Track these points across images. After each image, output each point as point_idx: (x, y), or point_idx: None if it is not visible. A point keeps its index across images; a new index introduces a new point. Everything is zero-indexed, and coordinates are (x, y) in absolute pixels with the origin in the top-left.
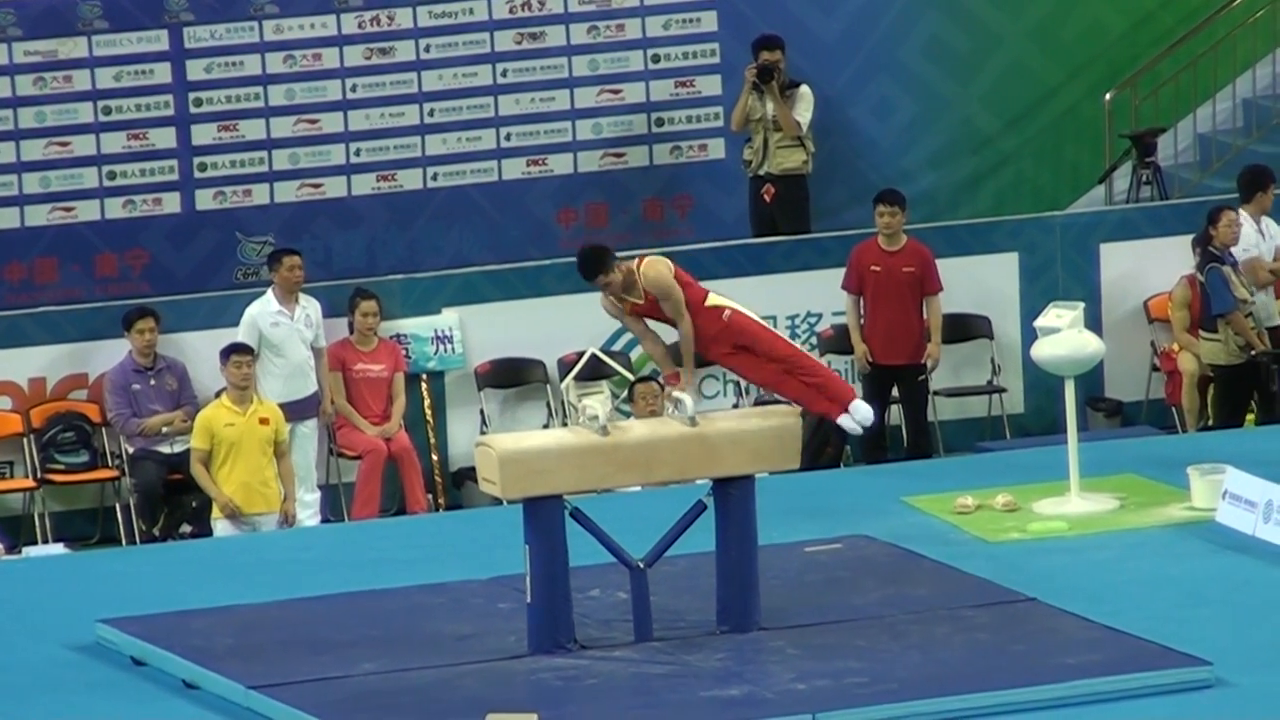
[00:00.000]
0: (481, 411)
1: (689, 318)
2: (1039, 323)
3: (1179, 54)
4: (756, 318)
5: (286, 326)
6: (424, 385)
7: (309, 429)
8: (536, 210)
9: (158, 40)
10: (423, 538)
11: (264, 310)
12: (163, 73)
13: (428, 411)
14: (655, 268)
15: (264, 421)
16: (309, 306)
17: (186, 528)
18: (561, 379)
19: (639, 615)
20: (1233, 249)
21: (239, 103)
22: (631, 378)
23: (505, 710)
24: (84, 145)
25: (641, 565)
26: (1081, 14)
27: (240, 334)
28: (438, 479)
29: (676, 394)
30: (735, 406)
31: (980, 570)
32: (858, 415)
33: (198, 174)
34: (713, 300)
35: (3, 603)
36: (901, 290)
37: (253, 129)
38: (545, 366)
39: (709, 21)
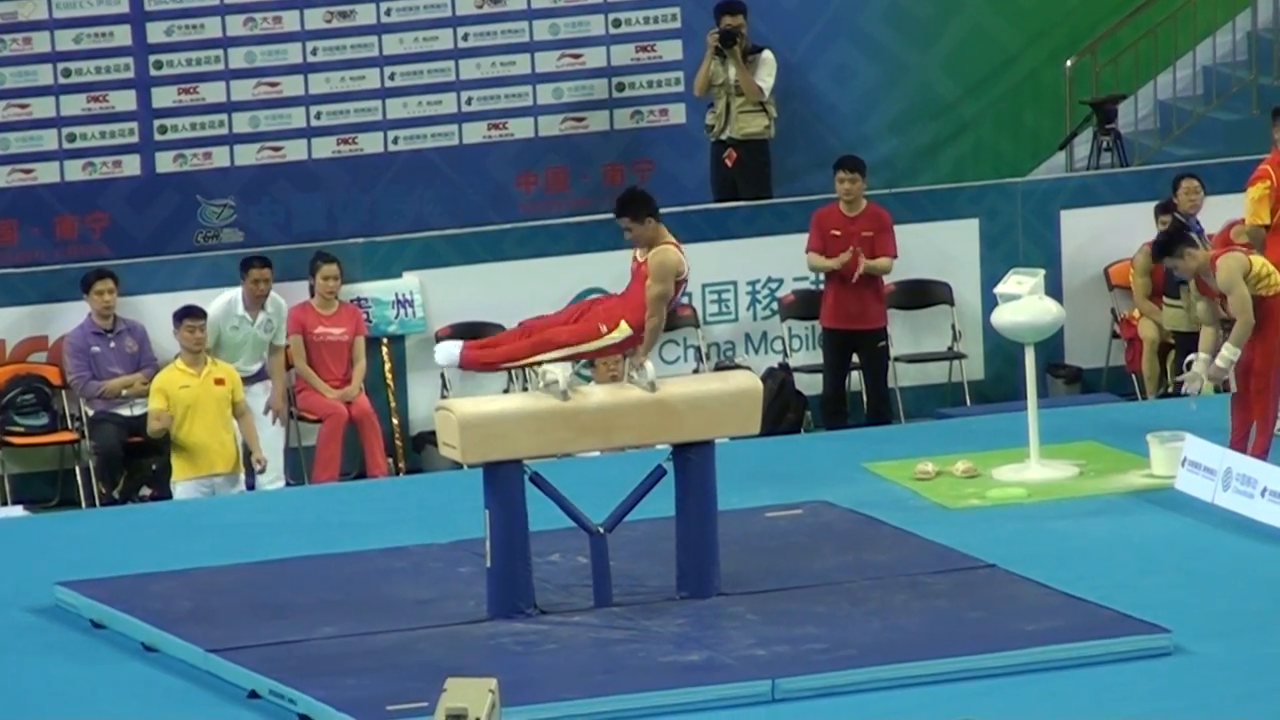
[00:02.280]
0: (442, 375)
1: (664, 315)
2: (999, 289)
3: (1140, 20)
4: (589, 347)
5: (245, 331)
6: (384, 349)
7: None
8: (497, 174)
9: (118, 2)
10: (383, 502)
11: (229, 312)
12: (123, 35)
13: (388, 375)
14: (668, 254)
15: (219, 382)
16: (273, 312)
17: (146, 490)
18: None
19: (599, 580)
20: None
21: (199, 65)
22: None
23: (464, 675)
24: (43, 107)
25: (601, 530)
26: None
27: None
28: (398, 443)
29: (636, 360)
30: (695, 372)
31: (940, 537)
32: (447, 352)
33: (158, 136)
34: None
35: None
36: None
37: (213, 92)
38: (505, 330)
39: None
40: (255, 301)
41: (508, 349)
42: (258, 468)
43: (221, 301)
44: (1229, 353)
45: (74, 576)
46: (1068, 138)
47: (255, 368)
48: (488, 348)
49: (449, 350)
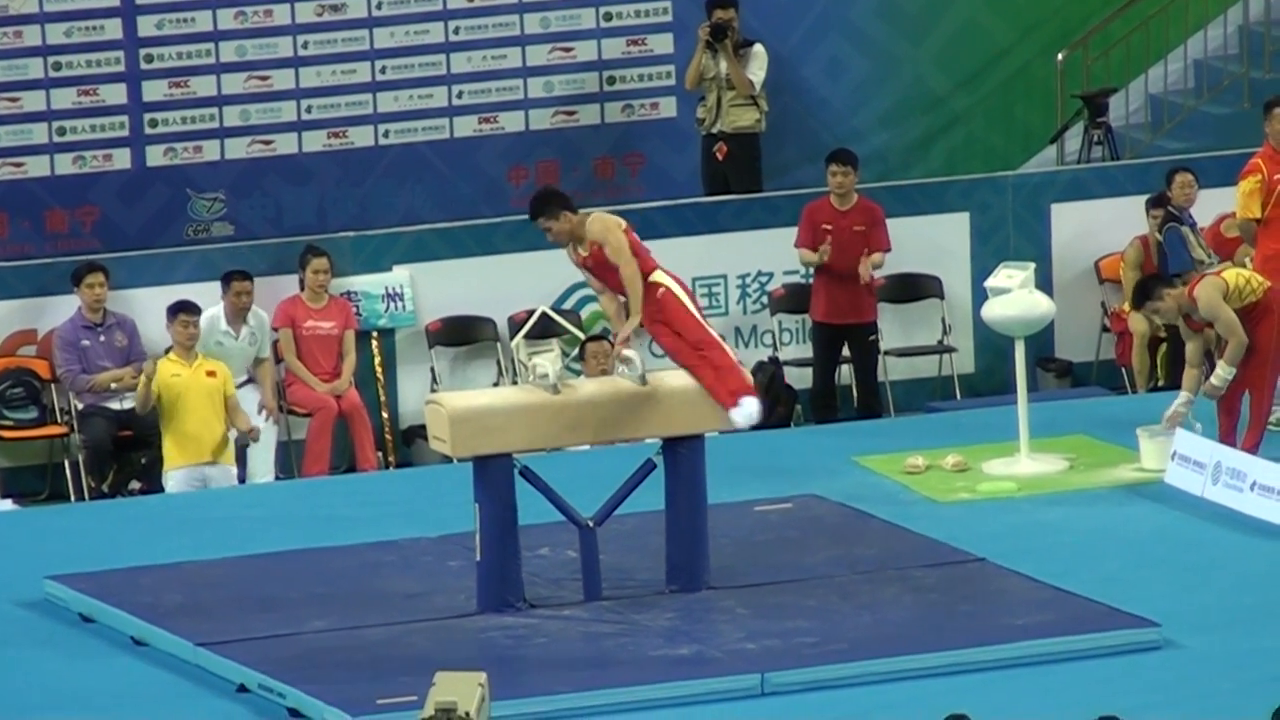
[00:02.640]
0: (432, 369)
1: (633, 262)
2: (990, 283)
3: (1131, 14)
4: (688, 301)
5: (230, 346)
6: (374, 343)
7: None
8: (488, 168)
9: None
10: (372, 495)
11: (213, 329)
12: (113, 28)
13: (378, 369)
14: (602, 220)
15: (210, 374)
16: (256, 325)
17: (136, 484)
18: (512, 337)
19: (588, 574)
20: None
21: (190, 59)
22: (582, 336)
23: (454, 669)
24: (34, 101)
25: (591, 524)
26: None
27: None
28: (388, 436)
29: (626, 353)
30: None
31: (930, 530)
32: (745, 410)
33: (148, 130)
34: (655, 277)
35: None
36: (852, 249)
37: (204, 85)
38: (496, 325)
39: None
40: (237, 315)
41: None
42: (251, 436)
43: (204, 318)
44: (1224, 371)
45: (63, 570)
46: (1058, 131)
47: (241, 379)
48: (729, 375)
49: (752, 408)
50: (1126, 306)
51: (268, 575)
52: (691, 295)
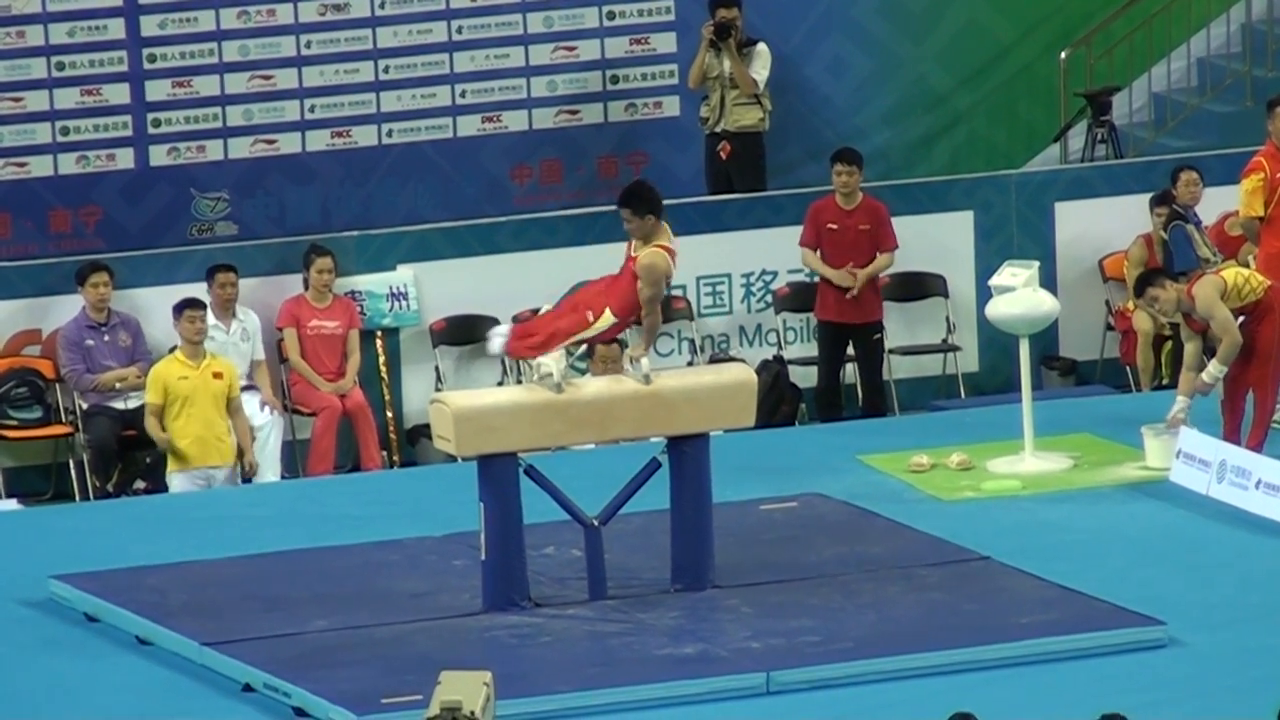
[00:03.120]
0: (436, 368)
1: (659, 314)
2: (994, 281)
3: (1134, 12)
4: (587, 333)
5: (221, 341)
6: (379, 342)
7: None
8: (491, 167)
9: None
10: (377, 495)
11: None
12: (116, 28)
13: (382, 368)
14: (657, 259)
15: (217, 376)
16: (246, 320)
17: (140, 484)
18: None
19: (593, 573)
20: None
21: (193, 59)
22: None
23: (459, 668)
24: (37, 101)
25: (596, 523)
26: None
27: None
28: (392, 436)
29: (633, 353)
30: (690, 364)
31: (934, 529)
32: (498, 335)
33: (151, 130)
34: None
35: None
36: (857, 248)
37: (207, 85)
38: (500, 324)
39: None
40: (224, 307)
41: (524, 346)
42: (249, 469)
43: None
44: (1215, 369)
45: (68, 570)
46: (1062, 130)
47: (242, 384)
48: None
49: (500, 334)
50: (1131, 305)
51: (273, 575)
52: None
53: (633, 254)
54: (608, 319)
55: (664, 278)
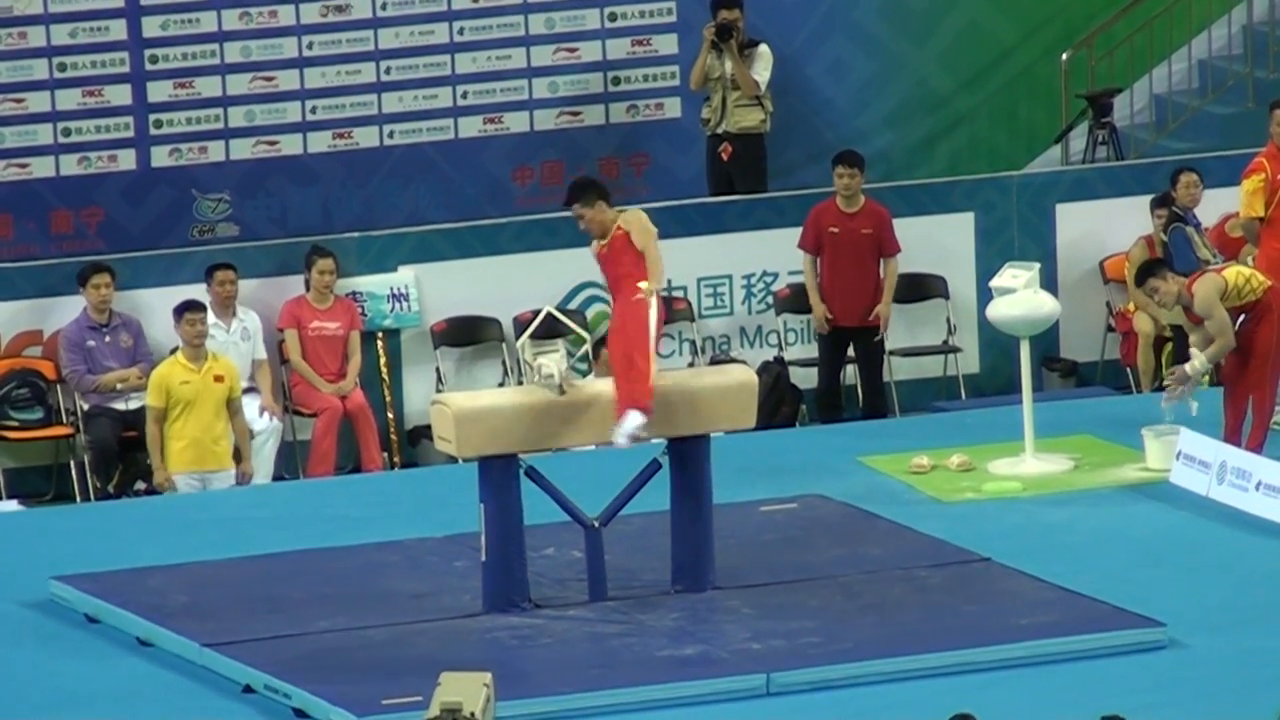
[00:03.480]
0: (437, 370)
1: (658, 250)
2: (995, 283)
3: (1135, 14)
4: (653, 315)
5: (221, 340)
6: (380, 343)
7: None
8: (493, 168)
9: None
10: (378, 496)
11: None
12: (118, 29)
13: (383, 369)
14: (640, 215)
15: (219, 379)
16: (247, 319)
17: (141, 485)
18: (517, 337)
19: (594, 574)
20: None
21: (195, 60)
22: (587, 336)
23: (459, 669)
24: (39, 102)
25: (596, 524)
26: None
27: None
28: (393, 437)
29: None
30: (691, 365)
31: (935, 530)
32: (626, 425)
33: (153, 131)
34: (644, 285)
35: None
36: (859, 251)
37: (208, 86)
38: (501, 325)
39: None
40: (224, 306)
41: (642, 386)
42: (244, 479)
43: None
44: (1200, 363)
45: (69, 571)
46: (1063, 131)
47: (243, 384)
48: (637, 385)
49: (634, 423)
50: (1131, 306)
51: (273, 576)
52: (660, 322)
53: (599, 248)
54: (649, 290)
55: (651, 226)
